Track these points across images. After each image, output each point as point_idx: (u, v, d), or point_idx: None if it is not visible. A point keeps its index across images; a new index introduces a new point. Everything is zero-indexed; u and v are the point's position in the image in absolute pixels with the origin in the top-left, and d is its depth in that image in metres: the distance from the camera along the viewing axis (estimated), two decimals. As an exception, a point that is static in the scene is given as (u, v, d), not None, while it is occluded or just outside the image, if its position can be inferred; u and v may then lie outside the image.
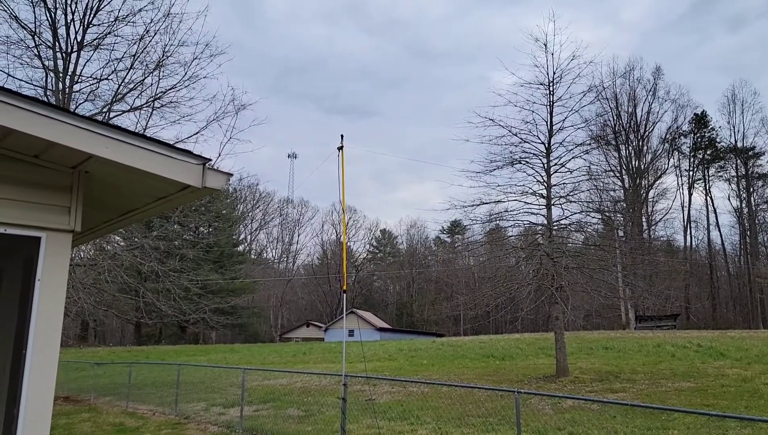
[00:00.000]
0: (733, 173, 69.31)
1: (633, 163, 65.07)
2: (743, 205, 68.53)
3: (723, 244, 71.51)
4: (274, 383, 19.25)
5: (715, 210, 71.06)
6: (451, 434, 10.54)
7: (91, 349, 48.53)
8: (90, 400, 17.56)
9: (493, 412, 12.29)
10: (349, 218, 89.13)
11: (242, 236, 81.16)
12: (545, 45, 18.12)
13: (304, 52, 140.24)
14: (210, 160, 3.35)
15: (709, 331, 37.51)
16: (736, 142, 68.29)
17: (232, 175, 3.50)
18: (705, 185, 70.34)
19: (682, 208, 70.19)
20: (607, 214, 26.72)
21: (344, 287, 10.46)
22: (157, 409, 14.82)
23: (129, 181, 3.73)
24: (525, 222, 19.50)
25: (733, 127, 69.64)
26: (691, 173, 70.32)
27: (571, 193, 18.42)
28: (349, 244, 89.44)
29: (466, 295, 36.65)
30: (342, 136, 10.64)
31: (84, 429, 12.29)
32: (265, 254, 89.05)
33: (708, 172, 70.48)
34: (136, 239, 19.14)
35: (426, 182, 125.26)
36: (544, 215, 18.57)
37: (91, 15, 16.31)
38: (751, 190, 68.68)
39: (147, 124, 17.13)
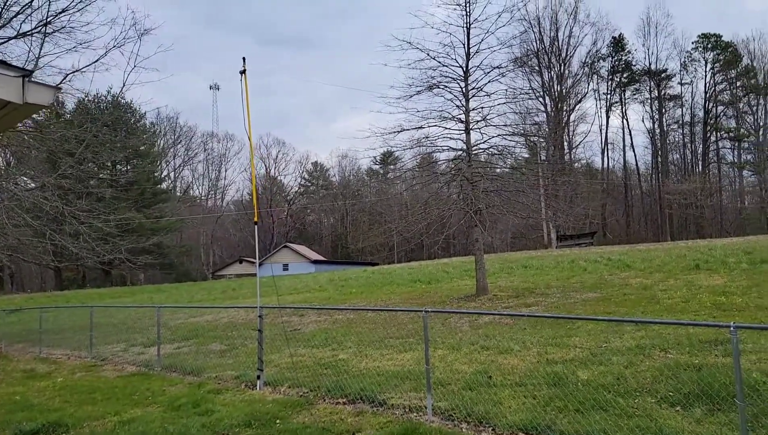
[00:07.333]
0: (647, 95, 72.44)
1: (555, 87, 66.42)
2: (656, 126, 72.15)
3: (637, 163, 75.61)
4: (199, 320, 19.07)
5: (630, 131, 74.72)
6: (370, 355, 10.80)
7: (7, 297, 46.26)
8: (0, 348, 16.80)
9: (413, 332, 12.69)
10: (278, 151, 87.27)
11: (165, 173, 78.07)
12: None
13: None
14: (32, 72, 2.96)
15: (620, 246, 40.03)
16: (650, 64, 70.91)
17: (60, 89, 3.15)
18: (621, 108, 73.27)
19: (600, 130, 73.20)
20: (529, 138, 27.29)
21: (255, 219, 10.18)
22: (72, 353, 14.37)
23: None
24: (445, 147, 19.59)
25: (648, 50, 72.14)
26: (608, 96, 72.88)
27: (489, 117, 18.50)
28: (279, 177, 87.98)
29: (398, 221, 37.12)
30: (244, 58, 9.97)
31: (-9, 378, 11.74)
32: (191, 191, 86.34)
33: (624, 94, 73.23)
34: (38, 179, 17.89)
35: (362, 113, 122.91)
36: (463, 140, 18.69)
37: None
38: (663, 111, 72.13)
39: (40, 52, 15.55)
